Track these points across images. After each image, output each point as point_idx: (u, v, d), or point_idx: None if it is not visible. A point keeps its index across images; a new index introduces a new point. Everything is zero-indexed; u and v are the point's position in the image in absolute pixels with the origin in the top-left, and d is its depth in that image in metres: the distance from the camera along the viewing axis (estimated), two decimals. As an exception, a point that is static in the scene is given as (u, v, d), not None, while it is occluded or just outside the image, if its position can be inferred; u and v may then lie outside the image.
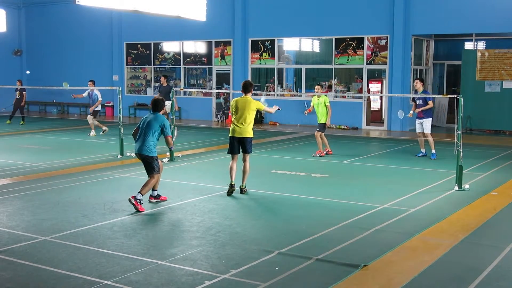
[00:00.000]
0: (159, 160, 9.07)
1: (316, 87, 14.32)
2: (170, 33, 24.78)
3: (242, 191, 9.86)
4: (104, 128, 18.16)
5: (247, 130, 9.83)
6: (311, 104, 14.33)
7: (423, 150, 14.19)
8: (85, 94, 18.77)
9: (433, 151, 13.77)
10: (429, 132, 13.91)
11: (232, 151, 9.94)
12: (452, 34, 21.61)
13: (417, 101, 13.98)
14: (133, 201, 8.52)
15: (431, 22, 20.17)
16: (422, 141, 14.18)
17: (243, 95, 9.91)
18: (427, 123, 13.86)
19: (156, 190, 9.20)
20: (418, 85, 14.03)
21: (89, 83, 18.63)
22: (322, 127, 14.10)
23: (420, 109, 13.80)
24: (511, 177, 11.52)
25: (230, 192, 9.73)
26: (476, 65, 20.14)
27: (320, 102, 13.98)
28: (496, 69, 19.87)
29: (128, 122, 22.80)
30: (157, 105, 9.10)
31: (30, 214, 8.44)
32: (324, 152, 14.20)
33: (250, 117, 9.81)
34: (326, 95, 14.31)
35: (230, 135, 9.91)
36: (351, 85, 22.25)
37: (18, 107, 22.91)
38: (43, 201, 9.23)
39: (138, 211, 8.48)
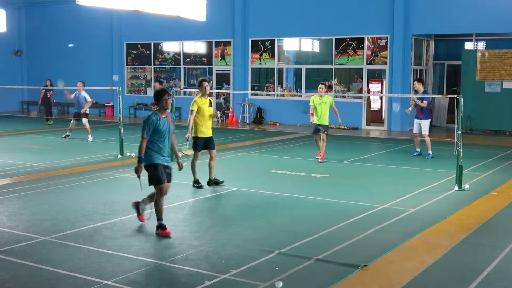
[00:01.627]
0: (158, 171, 7.35)
1: (320, 86, 13.24)
2: (170, 33, 24.77)
3: (215, 182, 10.21)
4: (68, 134, 17.59)
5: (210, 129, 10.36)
6: (311, 105, 13.24)
7: (418, 149, 14.28)
8: (72, 96, 17.65)
9: (430, 152, 13.86)
10: (427, 133, 13.99)
11: (199, 149, 10.27)
12: (452, 34, 21.61)
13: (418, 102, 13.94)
14: (160, 231, 7.30)
15: (431, 22, 20.17)
16: (418, 140, 14.28)
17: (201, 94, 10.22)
18: (425, 124, 13.95)
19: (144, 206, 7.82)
20: (419, 86, 14.08)
21: (78, 84, 17.44)
22: (327, 128, 13.30)
23: (423, 105, 13.73)
24: (511, 177, 11.52)
25: (199, 186, 10.16)
26: (476, 65, 20.13)
27: (324, 102, 13.11)
28: (496, 69, 19.87)
29: (128, 122, 22.81)
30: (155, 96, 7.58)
31: (30, 214, 8.44)
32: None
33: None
34: (329, 95, 13.54)
35: (199, 135, 10.18)
36: (351, 85, 22.25)
37: (49, 106, 22.97)
38: (43, 201, 9.23)
39: (168, 235, 7.29)
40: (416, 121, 14.07)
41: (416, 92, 14.31)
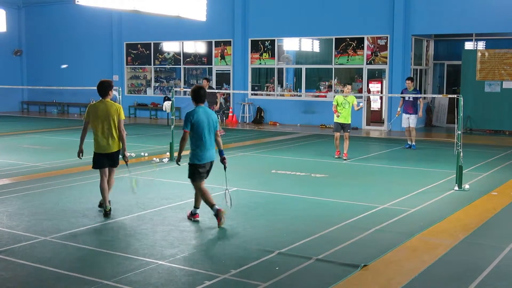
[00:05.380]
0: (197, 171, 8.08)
1: (347, 87, 14.07)
2: (170, 33, 24.78)
3: (107, 213, 8.28)
4: None
5: (116, 142, 8.49)
6: (334, 103, 13.75)
7: (410, 142, 15.64)
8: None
9: (414, 143, 15.57)
10: (415, 126, 15.68)
11: (102, 165, 8.51)
12: (452, 34, 21.62)
13: (407, 98, 15.43)
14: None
15: (431, 22, 20.17)
16: (409, 134, 15.71)
17: (101, 99, 8.39)
18: (414, 118, 15.55)
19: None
20: (410, 84, 15.60)
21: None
22: (350, 127, 13.83)
23: (421, 109, 15.95)
24: (511, 177, 11.52)
25: (108, 214, 8.23)
26: (476, 65, 20.13)
27: (348, 102, 13.67)
28: (496, 69, 19.87)
29: (128, 122, 22.80)
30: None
31: (30, 214, 8.44)
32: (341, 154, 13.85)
33: (115, 126, 8.39)
34: (353, 96, 14.08)
35: (95, 151, 8.51)
36: (351, 85, 22.20)
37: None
38: (43, 201, 9.23)
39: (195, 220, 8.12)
40: (406, 116, 15.57)
41: (406, 89, 15.64)
